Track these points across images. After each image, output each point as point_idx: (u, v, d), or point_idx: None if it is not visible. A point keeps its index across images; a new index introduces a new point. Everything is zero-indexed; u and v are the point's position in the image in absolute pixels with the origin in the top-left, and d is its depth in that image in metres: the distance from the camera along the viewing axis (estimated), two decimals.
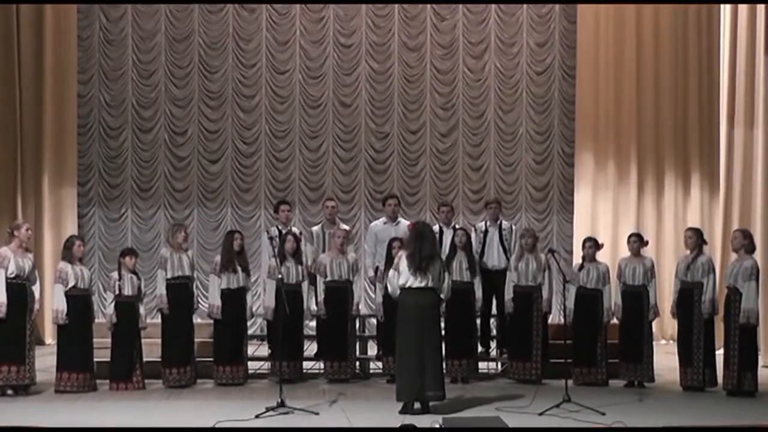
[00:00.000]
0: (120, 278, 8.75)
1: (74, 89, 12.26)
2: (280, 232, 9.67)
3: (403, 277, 7.55)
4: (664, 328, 12.22)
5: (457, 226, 9.75)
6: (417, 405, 7.50)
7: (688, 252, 8.98)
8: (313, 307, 9.33)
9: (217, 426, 6.91)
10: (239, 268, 9.08)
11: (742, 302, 8.50)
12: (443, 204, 10.21)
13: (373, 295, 10.77)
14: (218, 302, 9.02)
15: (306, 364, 9.35)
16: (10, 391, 8.29)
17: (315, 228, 10.21)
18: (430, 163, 12.92)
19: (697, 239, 8.94)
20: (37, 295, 8.55)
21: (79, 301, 8.53)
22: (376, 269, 9.73)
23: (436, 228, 8.97)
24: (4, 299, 8.24)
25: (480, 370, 9.51)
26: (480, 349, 9.64)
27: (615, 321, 9.24)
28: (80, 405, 7.96)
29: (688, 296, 8.86)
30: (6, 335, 8.25)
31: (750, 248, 8.71)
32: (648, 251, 9.88)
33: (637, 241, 9.28)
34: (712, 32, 12.65)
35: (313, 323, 9.66)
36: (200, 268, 11.54)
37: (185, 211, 12.57)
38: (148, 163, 12.61)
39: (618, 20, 12.62)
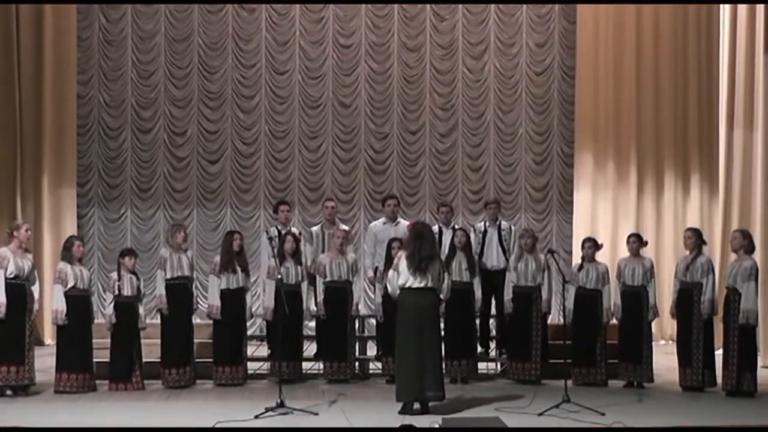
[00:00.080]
0: (119, 279, 8.75)
1: (74, 89, 12.23)
2: (279, 232, 9.66)
3: (402, 277, 7.55)
4: (664, 329, 12.21)
5: (456, 227, 9.75)
6: (416, 405, 7.50)
7: (688, 252, 8.98)
8: (313, 307, 9.32)
9: (216, 426, 6.91)
10: (239, 269, 9.08)
11: (742, 302, 8.51)
12: (443, 204, 10.22)
13: (372, 296, 10.76)
14: (218, 303, 9.02)
15: (305, 365, 9.35)
16: (9, 392, 8.28)
17: (314, 228, 10.21)
18: (429, 164, 12.90)
19: (696, 240, 8.94)
20: (36, 296, 8.55)
21: (78, 302, 8.53)
22: (376, 269, 9.73)
23: (435, 228, 8.96)
24: (4, 300, 8.23)
25: (479, 371, 9.52)
26: (479, 349, 9.64)
27: (614, 321, 9.25)
28: (80, 405, 7.96)
29: (687, 296, 8.86)
30: (5, 336, 8.24)
31: (749, 248, 8.72)
32: (647, 252, 9.89)
33: (637, 241, 9.28)
34: (711, 33, 12.64)
35: (313, 323, 9.66)
36: (200, 269, 11.50)
37: (185, 212, 12.54)
38: (147, 163, 12.59)
39: (618, 21, 12.60)
